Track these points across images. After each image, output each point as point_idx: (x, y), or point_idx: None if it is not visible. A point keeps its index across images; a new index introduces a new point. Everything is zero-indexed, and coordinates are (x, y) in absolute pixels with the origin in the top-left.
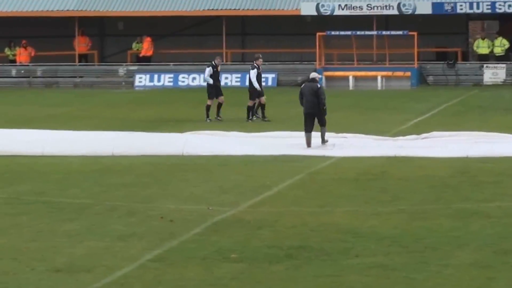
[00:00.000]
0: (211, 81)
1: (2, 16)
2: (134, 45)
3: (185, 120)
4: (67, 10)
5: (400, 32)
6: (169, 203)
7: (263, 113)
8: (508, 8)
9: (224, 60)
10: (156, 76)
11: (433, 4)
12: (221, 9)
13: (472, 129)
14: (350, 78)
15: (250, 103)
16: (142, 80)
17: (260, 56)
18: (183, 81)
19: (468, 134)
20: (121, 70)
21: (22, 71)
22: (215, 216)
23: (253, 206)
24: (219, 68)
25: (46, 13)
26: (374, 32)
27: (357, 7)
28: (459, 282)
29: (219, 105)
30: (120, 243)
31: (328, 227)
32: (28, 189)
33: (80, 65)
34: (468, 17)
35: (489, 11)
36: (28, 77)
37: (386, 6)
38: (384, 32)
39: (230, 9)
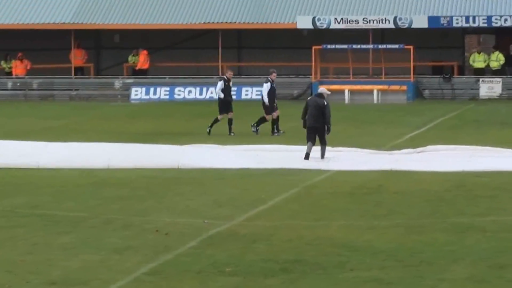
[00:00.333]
0: (222, 95)
1: None
2: (130, 58)
3: (181, 133)
4: (63, 23)
5: (396, 46)
6: (164, 216)
7: (276, 126)
8: (504, 22)
9: (220, 73)
10: (152, 89)
11: (429, 18)
12: (217, 22)
13: (468, 143)
14: (346, 91)
15: (268, 117)
16: (138, 93)
17: (275, 70)
18: (179, 94)
19: (464, 148)
20: (117, 83)
21: (18, 84)
22: (210, 229)
23: (249, 220)
24: (231, 83)
25: (42, 26)
26: (370, 46)
27: (353, 21)
28: None
29: (230, 121)
30: (115, 256)
31: (324, 241)
32: (23, 201)
33: (76, 78)
34: (464, 31)
35: (485, 25)
36: (24, 89)
37: (382, 19)
38: (380, 46)
39: (226, 22)
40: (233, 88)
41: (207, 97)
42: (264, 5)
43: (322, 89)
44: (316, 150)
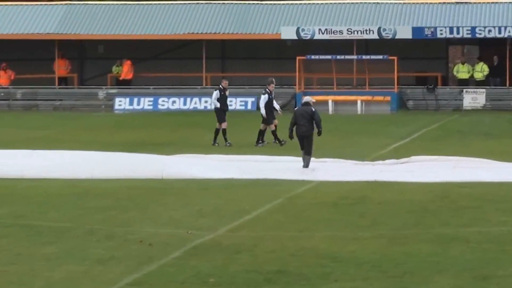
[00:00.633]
0: (218, 105)
1: None
2: (114, 68)
3: (165, 143)
4: (47, 33)
5: (380, 57)
6: (148, 227)
7: (275, 136)
8: (488, 33)
9: (204, 84)
10: (136, 99)
11: (413, 29)
12: (201, 33)
13: (452, 154)
14: (330, 102)
15: (271, 127)
16: (121, 103)
17: (273, 80)
18: (163, 105)
19: (448, 159)
20: (101, 93)
21: (2, 94)
22: (194, 240)
23: (232, 230)
24: (227, 92)
25: (26, 36)
26: (354, 57)
27: (337, 32)
28: None
29: (224, 131)
30: (99, 267)
31: (307, 252)
32: (7, 212)
33: (60, 88)
34: (448, 42)
35: (469, 36)
36: (8, 99)
37: (366, 30)
38: (364, 57)
39: (210, 32)
40: None
41: (191, 107)
42: (248, 16)
43: (307, 97)
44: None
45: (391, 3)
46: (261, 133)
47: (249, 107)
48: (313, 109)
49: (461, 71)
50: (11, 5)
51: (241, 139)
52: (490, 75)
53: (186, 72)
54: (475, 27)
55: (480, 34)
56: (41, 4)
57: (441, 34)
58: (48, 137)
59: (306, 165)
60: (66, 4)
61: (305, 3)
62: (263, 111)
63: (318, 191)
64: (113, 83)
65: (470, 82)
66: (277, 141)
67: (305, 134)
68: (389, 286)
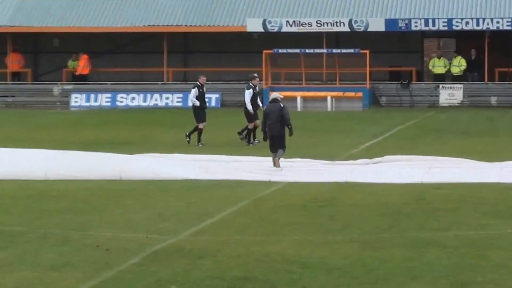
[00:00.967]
0: (197, 103)
1: None
2: (69, 62)
3: (124, 142)
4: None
5: (352, 50)
6: (105, 230)
7: (253, 136)
8: (466, 26)
9: (165, 79)
10: (92, 96)
11: (386, 21)
12: (162, 25)
13: (427, 154)
14: (298, 98)
15: (250, 125)
16: (78, 100)
17: (256, 75)
18: (121, 101)
19: (424, 159)
20: (56, 89)
21: None
22: (154, 245)
23: (195, 235)
24: (204, 89)
25: None
26: (324, 50)
27: (306, 24)
28: None
29: (200, 131)
30: (53, 273)
31: (274, 257)
32: None
33: (12, 83)
34: (423, 34)
35: (446, 28)
36: None
37: (336, 22)
38: (334, 50)
39: (171, 25)
40: (179, 95)
41: (151, 104)
42: (212, 7)
43: (275, 94)
44: (263, 160)
45: None
46: (250, 132)
47: (213, 103)
48: (282, 105)
49: (437, 66)
50: None
51: (208, 138)
52: (468, 70)
53: (146, 67)
54: (452, 19)
55: (457, 26)
56: None
57: (416, 26)
58: (0, 136)
59: (278, 157)
60: None
61: None
62: (249, 106)
63: (286, 192)
64: (69, 78)
65: (446, 77)
66: (246, 140)
67: (276, 134)
68: None
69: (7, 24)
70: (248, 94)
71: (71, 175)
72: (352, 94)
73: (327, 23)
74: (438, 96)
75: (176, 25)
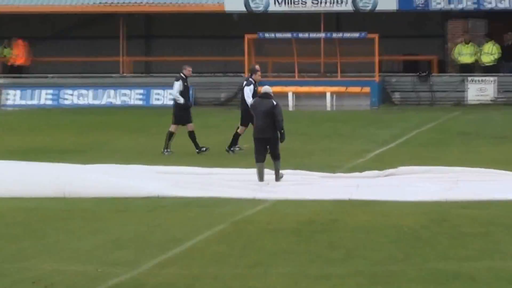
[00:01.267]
0: (182, 100)
1: None
2: (1, 50)
3: (69, 150)
4: None
5: (357, 35)
6: (46, 261)
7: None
8: (500, 3)
9: (122, 71)
10: (30, 91)
11: None
12: (119, 4)
13: (452, 164)
14: (290, 95)
15: (240, 130)
16: (12, 97)
17: (258, 68)
18: (67, 99)
19: (447, 171)
20: None
21: None
22: (107, 279)
23: (159, 267)
24: (188, 83)
25: None
26: (322, 35)
27: (298, 2)
28: None
29: (171, 135)
30: None
31: None
32: None
33: None
34: (446, 15)
35: (474, 7)
36: None
37: (337, 0)
38: (335, 35)
39: (130, 3)
40: (139, 91)
41: (105, 102)
42: None
43: (267, 87)
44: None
45: None
46: (236, 136)
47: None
48: (275, 103)
49: (464, 54)
50: None
51: (179, 146)
52: (503, 59)
53: (98, 55)
54: None
55: (489, 3)
56: None
57: (437, 4)
58: None
59: (276, 172)
60: None
61: None
62: (249, 101)
63: (274, 213)
64: (1, 70)
65: (475, 68)
66: (232, 148)
67: (265, 136)
68: None
69: None
70: (249, 91)
71: (3, 192)
72: (357, 89)
73: (326, 1)
74: (465, 91)
75: (136, 3)
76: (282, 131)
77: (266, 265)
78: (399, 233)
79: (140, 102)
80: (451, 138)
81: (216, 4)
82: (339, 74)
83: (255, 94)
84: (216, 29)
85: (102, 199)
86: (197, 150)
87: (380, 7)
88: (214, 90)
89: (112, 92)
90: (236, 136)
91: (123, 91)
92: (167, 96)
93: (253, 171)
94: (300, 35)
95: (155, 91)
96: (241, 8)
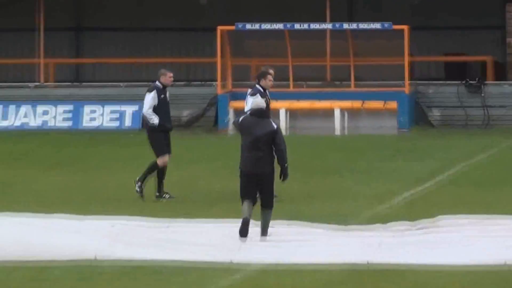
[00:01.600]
0: (156, 120)
1: None
2: None
3: None
4: None
5: (378, 26)
6: None
7: None
8: None
9: (41, 79)
10: None
11: None
12: None
13: None
14: (282, 112)
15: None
16: None
17: (271, 71)
18: None
19: (507, 220)
20: None
21: None
22: None
23: None
24: (167, 94)
25: None
26: (328, 26)
27: None
28: None
29: (161, 173)
30: None
31: None
32: None
33: None
34: None
35: None
36: None
37: None
38: (346, 26)
39: None
40: (65, 107)
41: (16, 124)
42: None
43: (259, 101)
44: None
45: None
46: None
47: (126, 123)
48: (275, 125)
49: None
50: None
51: (124, 186)
52: None
53: (5, 57)
54: None
55: None
56: None
57: None
58: None
59: (263, 232)
60: None
61: None
62: None
63: (257, 286)
64: None
65: None
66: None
67: (258, 172)
68: None
69: None
70: (253, 102)
71: None
72: (378, 104)
73: None
74: None
75: None
76: (286, 165)
77: None
78: None
79: (67, 124)
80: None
81: None
82: (352, 82)
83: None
84: (176, 19)
85: (13, 264)
86: (157, 194)
87: None
88: (173, 106)
89: (26, 109)
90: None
91: (42, 107)
92: (105, 114)
93: (231, 222)
94: (297, 26)
95: (88, 107)
96: None
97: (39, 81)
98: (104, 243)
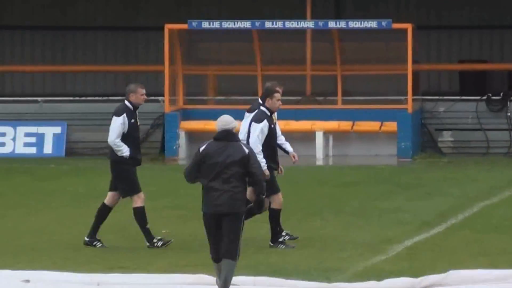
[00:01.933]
0: (126, 152)
1: None
2: None
3: None
4: None
5: (374, 24)
6: None
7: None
8: None
9: None
10: None
11: None
12: None
13: None
14: None
15: (267, 204)
16: None
17: (278, 89)
18: None
19: None
20: None
21: None
22: None
23: None
24: (138, 118)
25: None
26: (310, 24)
27: None
28: None
29: (140, 212)
30: None
31: None
32: None
33: None
34: None
35: None
36: None
37: None
38: (332, 24)
39: None
40: None
41: None
42: None
43: (226, 119)
44: None
45: None
46: (277, 219)
47: (46, 149)
48: (247, 150)
49: None
50: None
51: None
52: None
53: None
54: None
55: None
56: None
57: None
58: None
59: (223, 283)
60: None
61: None
62: (260, 158)
63: None
64: None
65: None
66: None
67: (229, 211)
68: None
69: None
70: (260, 132)
71: None
72: (373, 125)
73: None
74: None
75: None
76: (263, 196)
77: None
78: None
79: None
80: None
81: None
82: (339, 98)
83: (270, 133)
84: (106, 15)
85: None
86: (87, 239)
87: None
88: (104, 128)
89: None
90: (275, 218)
91: None
92: (18, 138)
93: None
94: (268, 24)
95: None
96: None
97: None
98: None
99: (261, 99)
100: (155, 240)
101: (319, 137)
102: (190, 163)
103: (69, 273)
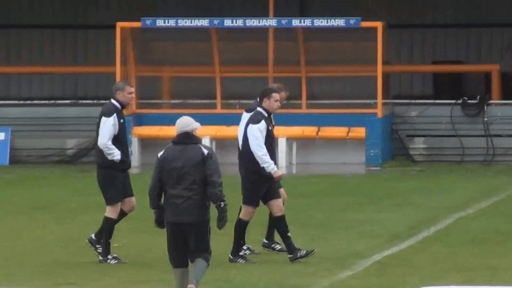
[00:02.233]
0: (117, 156)
1: None
2: None
3: None
4: None
5: (341, 22)
6: None
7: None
8: None
9: None
10: None
11: None
12: None
13: None
14: (207, 141)
15: (245, 213)
16: None
17: (275, 88)
18: None
19: None
20: None
21: None
22: None
23: None
24: (124, 116)
25: None
26: (272, 22)
27: None
28: None
29: (113, 224)
30: None
31: None
32: None
33: None
34: None
35: None
36: None
37: None
38: (296, 22)
39: None
40: None
41: None
42: None
43: (186, 120)
44: None
45: None
46: (242, 230)
47: None
48: (205, 151)
49: None
50: None
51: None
52: None
53: None
54: None
55: None
56: None
57: None
58: None
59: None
60: None
61: None
62: (269, 162)
63: None
64: None
65: None
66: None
67: (189, 221)
68: None
69: None
70: (259, 133)
71: None
72: (340, 131)
73: None
74: None
75: None
76: (222, 204)
77: None
78: None
79: None
80: None
81: None
82: (304, 101)
83: (269, 137)
84: (54, 11)
85: None
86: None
87: None
88: (53, 133)
89: None
90: (241, 229)
91: None
92: None
93: None
94: (228, 22)
95: None
96: None
97: None
98: None
99: (259, 98)
100: (109, 257)
101: (282, 144)
102: (152, 176)
103: None
